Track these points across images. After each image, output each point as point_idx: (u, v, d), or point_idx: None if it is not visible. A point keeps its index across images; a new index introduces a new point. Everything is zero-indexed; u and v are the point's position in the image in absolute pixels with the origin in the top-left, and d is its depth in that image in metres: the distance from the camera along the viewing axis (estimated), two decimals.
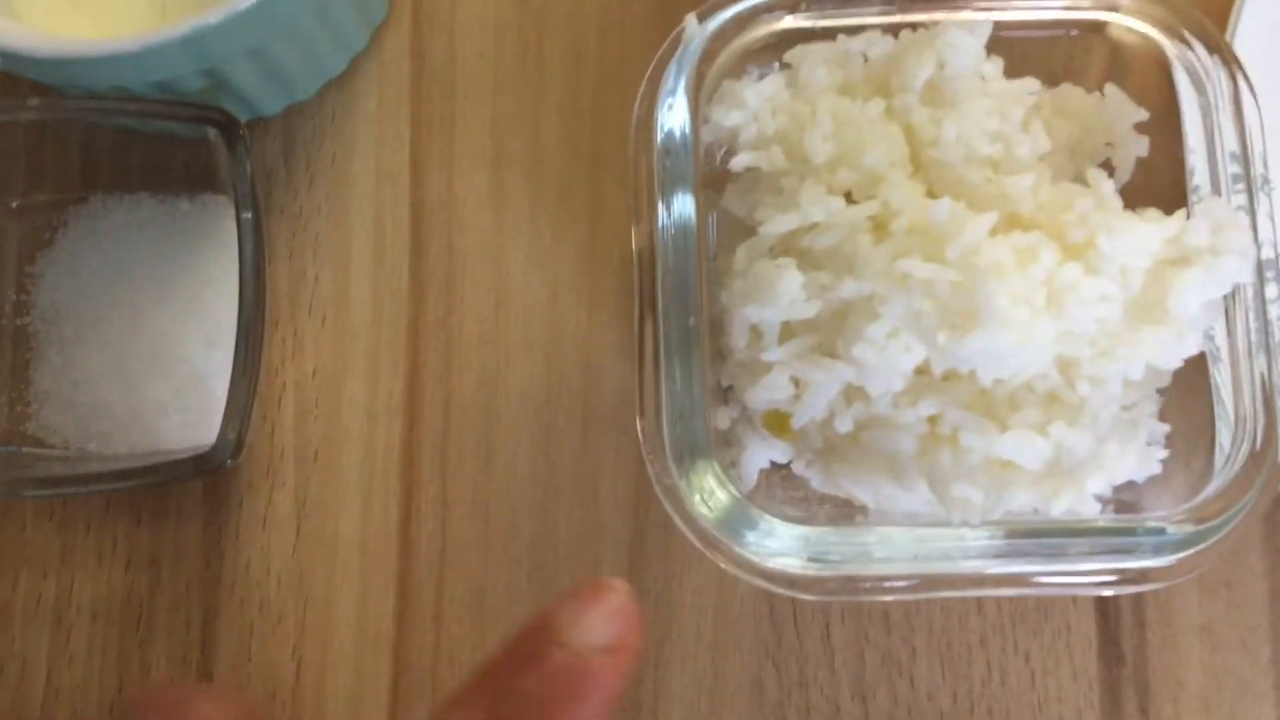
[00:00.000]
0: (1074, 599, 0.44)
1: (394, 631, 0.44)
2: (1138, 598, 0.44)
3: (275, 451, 0.45)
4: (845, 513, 0.41)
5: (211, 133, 0.42)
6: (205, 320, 0.44)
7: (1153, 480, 0.39)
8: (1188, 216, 0.37)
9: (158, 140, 0.46)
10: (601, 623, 0.29)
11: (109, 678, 0.44)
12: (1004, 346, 0.34)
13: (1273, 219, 0.38)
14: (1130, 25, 0.40)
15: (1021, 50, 0.41)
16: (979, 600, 0.44)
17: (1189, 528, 0.36)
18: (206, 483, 0.45)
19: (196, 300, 0.44)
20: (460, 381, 0.46)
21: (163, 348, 0.44)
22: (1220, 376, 0.38)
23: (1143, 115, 0.40)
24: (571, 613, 0.29)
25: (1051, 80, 0.41)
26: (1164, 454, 0.39)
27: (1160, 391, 0.39)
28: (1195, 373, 0.38)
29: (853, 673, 0.44)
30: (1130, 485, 0.39)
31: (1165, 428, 0.39)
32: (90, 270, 0.44)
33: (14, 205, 0.45)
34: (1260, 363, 0.37)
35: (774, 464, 0.41)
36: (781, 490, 0.42)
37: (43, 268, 0.45)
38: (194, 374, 0.44)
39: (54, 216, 0.45)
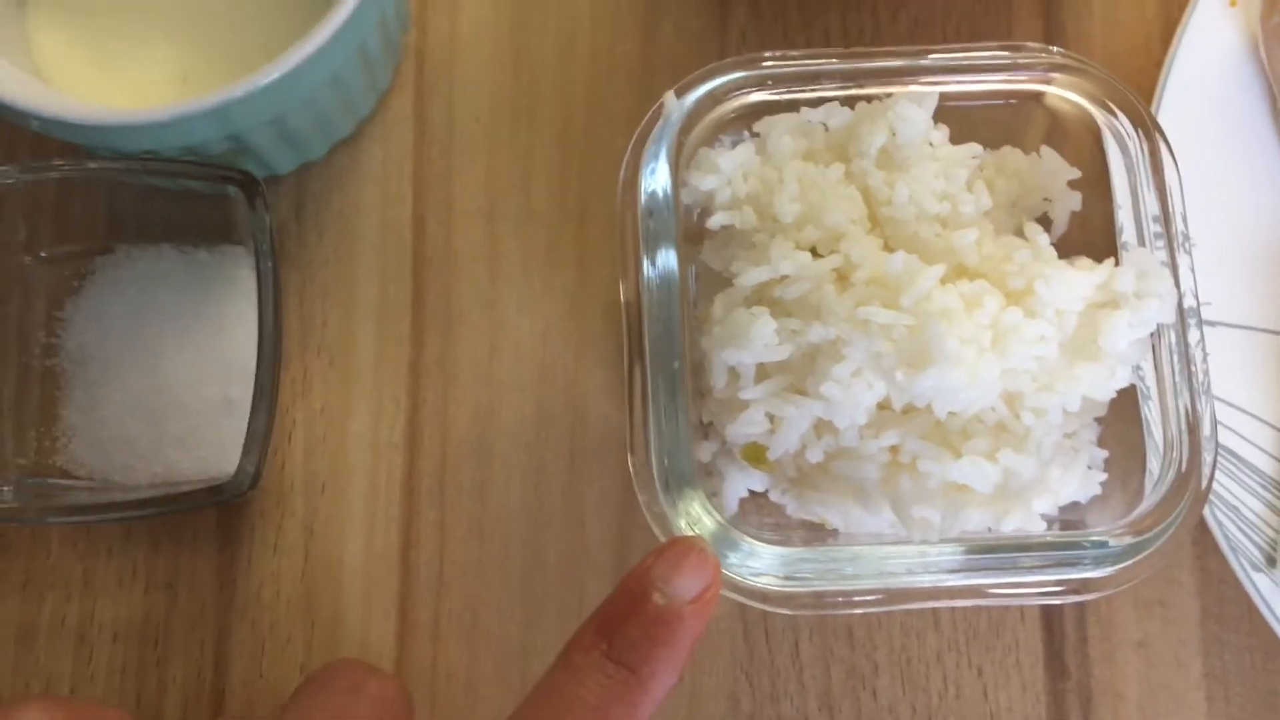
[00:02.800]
0: (1022, 617, 0.48)
1: (395, 650, 0.48)
2: (1080, 616, 0.48)
3: (285, 483, 0.49)
4: (818, 535, 0.44)
5: (233, 190, 0.46)
6: (221, 362, 0.47)
7: (1094, 500, 0.43)
8: (1116, 264, 0.41)
9: (179, 195, 0.49)
10: (689, 578, 0.34)
11: (128, 694, 0.47)
12: (955, 382, 0.38)
13: (1193, 272, 0.42)
14: (1064, 95, 0.44)
15: (969, 118, 0.45)
16: (935, 618, 0.48)
17: (1128, 539, 0.40)
18: (221, 512, 0.48)
19: (213, 343, 0.48)
20: (456, 419, 0.50)
21: (182, 387, 0.47)
22: (1149, 411, 0.42)
23: (1075, 173, 0.44)
24: (664, 569, 0.35)
25: (995, 144, 0.45)
26: (1103, 477, 0.43)
27: (1099, 420, 0.43)
28: (1129, 404, 0.43)
29: (820, 686, 0.48)
30: (1074, 505, 0.43)
31: (1104, 453, 0.43)
32: (115, 315, 0.48)
33: (44, 255, 0.49)
34: (1184, 397, 0.41)
35: (752, 492, 0.45)
36: (759, 516, 0.45)
37: (71, 313, 0.48)
38: (211, 411, 0.47)
39: (82, 266, 0.49)
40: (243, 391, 0.45)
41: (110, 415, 0.47)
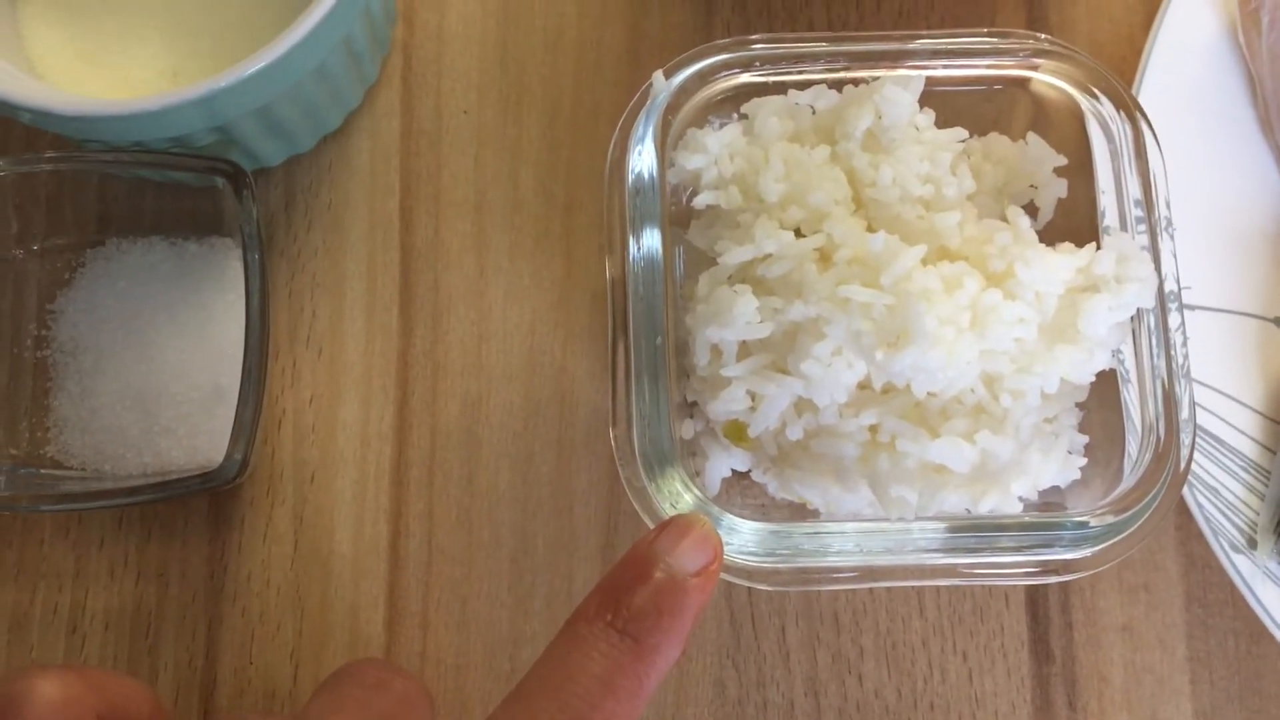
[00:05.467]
0: (1007, 602, 0.48)
1: (384, 637, 0.48)
2: (1065, 600, 0.48)
3: (275, 472, 0.49)
4: (799, 516, 0.44)
5: (220, 182, 0.46)
6: (211, 352, 0.48)
7: (1074, 486, 0.43)
8: (1097, 249, 0.41)
9: (168, 188, 0.50)
10: (692, 551, 0.35)
11: None
12: (933, 361, 0.39)
13: (1175, 256, 0.43)
14: (1050, 82, 0.45)
15: (955, 103, 0.46)
16: (920, 604, 0.48)
17: (1106, 519, 0.40)
18: (211, 501, 0.49)
19: (203, 334, 0.48)
20: (445, 408, 0.50)
21: (173, 377, 0.47)
22: (1129, 396, 0.42)
23: (1062, 160, 0.44)
24: (668, 543, 0.35)
25: (982, 130, 0.46)
26: (1083, 462, 0.43)
27: (1080, 406, 0.44)
28: (1110, 390, 0.43)
29: (806, 671, 0.48)
30: (1054, 490, 0.43)
31: (1084, 438, 0.43)
32: (107, 307, 0.48)
33: (35, 248, 0.49)
34: (1162, 380, 0.41)
35: (735, 472, 0.45)
36: (741, 498, 0.46)
37: (62, 305, 0.49)
38: (201, 400, 0.47)
39: (73, 258, 0.49)
40: (233, 380, 0.45)
41: (102, 405, 0.47)
